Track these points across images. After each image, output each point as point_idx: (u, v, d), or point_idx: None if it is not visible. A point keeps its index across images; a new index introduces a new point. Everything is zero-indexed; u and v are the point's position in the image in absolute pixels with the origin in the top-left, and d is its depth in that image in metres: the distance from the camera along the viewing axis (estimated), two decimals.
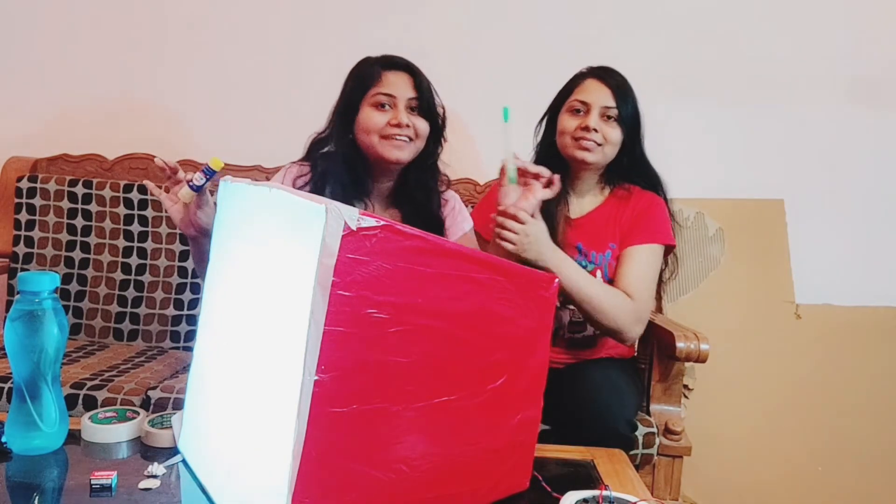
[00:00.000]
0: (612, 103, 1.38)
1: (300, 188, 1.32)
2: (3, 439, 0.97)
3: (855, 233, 1.98)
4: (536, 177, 1.22)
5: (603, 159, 1.41)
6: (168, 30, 1.96)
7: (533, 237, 1.19)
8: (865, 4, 1.93)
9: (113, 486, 0.87)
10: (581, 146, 1.38)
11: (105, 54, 1.96)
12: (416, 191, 1.36)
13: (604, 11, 1.93)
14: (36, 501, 0.85)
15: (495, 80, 1.94)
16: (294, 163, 1.39)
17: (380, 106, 1.28)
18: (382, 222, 0.71)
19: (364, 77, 1.31)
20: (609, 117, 1.38)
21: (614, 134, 1.39)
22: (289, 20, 1.94)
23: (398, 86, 1.28)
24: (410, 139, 1.29)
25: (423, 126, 1.30)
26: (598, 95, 1.39)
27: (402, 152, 1.28)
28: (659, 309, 1.75)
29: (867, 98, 1.95)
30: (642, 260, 1.39)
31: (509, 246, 1.18)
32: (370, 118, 1.28)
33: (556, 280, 0.93)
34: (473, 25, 1.94)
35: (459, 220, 1.41)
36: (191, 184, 1.13)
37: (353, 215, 0.68)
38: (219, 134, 1.96)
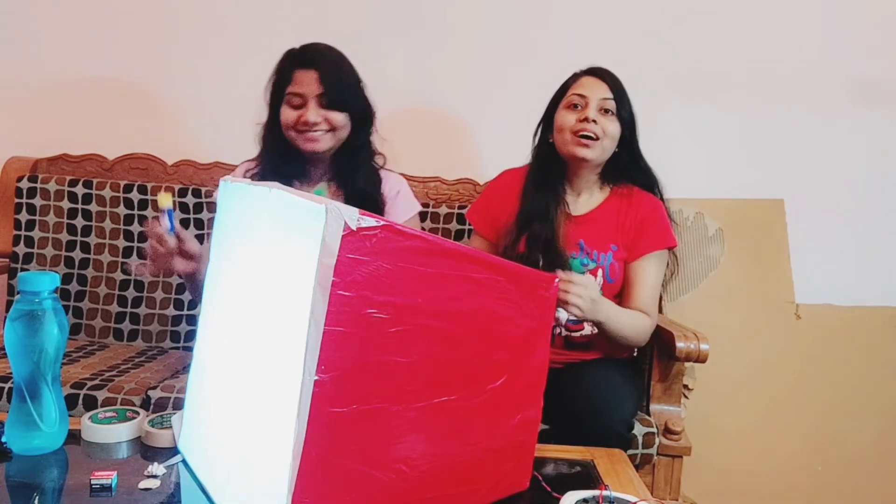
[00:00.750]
0: (609, 96, 1.40)
1: (251, 178, 1.40)
2: (3, 439, 0.97)
3: (855, 233, 1.98)
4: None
5: (602, 155, 1.41)
6: (169, 30, 1.96)
7: (591, 297, 1.21)
8: (865, 4, 1.93)
9: (113, 486, 0.87)
10: (580, 142, 1.38)
11: (106, 54, 1.96)
12: (347, 172, 1.43)
13: (604, 12, 1.93)
14: (36, 501, 0.85)
15: (495, 81, 1.94)
16: (246, 160, 1.49)
17: (292, 105, 1.36)
18: (382, 222, 0.71)
19: (279, 75, 1.39)
20: (607, 110, 1.40)
21: (613, 127, 1.40)
22: (289, 21, 1.94)
23: (306, 83, 1.34)
24: (326, 131, 1.36)
25: (338, 117, 1.36)
26: (596, 89, 1.40)
27: (318, 144, 1.36)
28: (659, 309, 1.75)
29: (867, 98, 1.95)
30: (652, 272, 1.43)
31: (577, 311, 1.20)
32: (285, 115, 1.37)
33: (557, 280, 0.94)
34: (473, 27, 1.94)
35: (402, 204, 1.47)
36: (169, 232, 1.17)
37: (353, 215, 0.68)
38: (219, 134, 1.96)
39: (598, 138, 1.38)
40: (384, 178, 1.47)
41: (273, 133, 1.41)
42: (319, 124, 1.34)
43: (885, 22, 1.94)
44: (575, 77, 1.46)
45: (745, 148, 1.97)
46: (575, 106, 1.41)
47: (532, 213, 1.43)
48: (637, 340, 1.40)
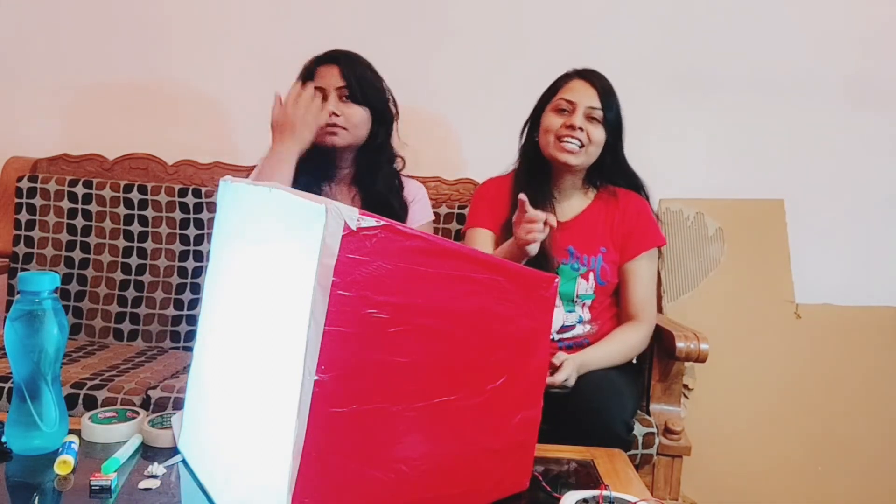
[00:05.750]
0: (597, 104, 1.39)
1: None
2: (3, 439, 0.97)
3: (855, 233, 1.98)
4: None
5: (586, 161, 1.42)
6: (168, 30, 1.96)
7: (572, 371, 1.24)
8: (865, 4, 1.93)
9: (113, 486, 0.87)
10: (563, 147, 1.39)
11: (105, 54, 1.96)
12: (368, 174, 1.46)
13: (605, 11, 1.93)
14: (36, 501, 0.85)
15: (495, 82, 1.94)
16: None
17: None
18: (382, 222, 0.71)
19: (304, 73, 1.45)
20: (594, 118, 1.40)
21: (598, 134, 1.40)
22: (288, 23, 1.94)
23: (327, 77, 1.41)
24: (343, 127, 1.40)
25: (356, 113, 1.41)
26: (584, 95, 1.40)
27: (335, 138, 1.41)
28: (659, 309, 1.75)
29: (867, 98, 1.95)
30: (644, 274, 1.45)
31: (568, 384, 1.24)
32: None
33: (557, 280, 0.94)
34: (473, 27, 1.94)
35: (418, 212, 1.50)
36: None
37: (352, 215, 0.68)
38: (219, 134, 1.96)
39: (583, 145, 1.39)
40: (404, 183, 1.50)
41: None
42: (338, 118, 1.38)
43: (885, 22, 1.94)
44: (565, 78, 1.45)
45: (745, 148, 1.97)
46: (562, 110, 1.41)
47: None
48: (635, 354, 1.44)
